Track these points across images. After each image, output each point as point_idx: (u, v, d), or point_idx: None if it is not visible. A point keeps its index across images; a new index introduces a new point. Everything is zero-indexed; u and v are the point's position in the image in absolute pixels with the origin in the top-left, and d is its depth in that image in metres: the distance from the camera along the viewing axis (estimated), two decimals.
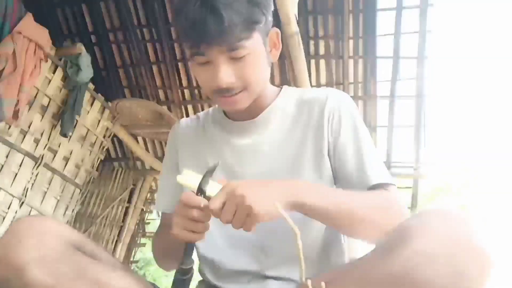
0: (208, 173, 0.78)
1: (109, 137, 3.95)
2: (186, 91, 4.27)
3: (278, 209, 0.75)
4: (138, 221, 4.87)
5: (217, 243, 0.96)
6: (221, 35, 0.80)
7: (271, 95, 1.02)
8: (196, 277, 1.02)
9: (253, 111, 0.99)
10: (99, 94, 3.71)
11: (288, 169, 0.94)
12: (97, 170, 3.90)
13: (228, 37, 0.81)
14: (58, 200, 3.44)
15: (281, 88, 1.05)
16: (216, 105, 1.07)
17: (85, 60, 3.35)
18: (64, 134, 3.29)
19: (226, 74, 0.84)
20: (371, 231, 0.79)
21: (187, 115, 4.38)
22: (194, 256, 0.97)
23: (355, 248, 3.30)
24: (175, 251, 0.89)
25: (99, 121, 3.77)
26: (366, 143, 0.94)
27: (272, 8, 0.94)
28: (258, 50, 0.88)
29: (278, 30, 0.96)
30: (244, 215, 0.72)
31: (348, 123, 0.95)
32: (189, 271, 0.80)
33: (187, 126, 1.10)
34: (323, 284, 0.61)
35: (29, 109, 3.05)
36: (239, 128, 1.00)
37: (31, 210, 3.18)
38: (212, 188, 0.77)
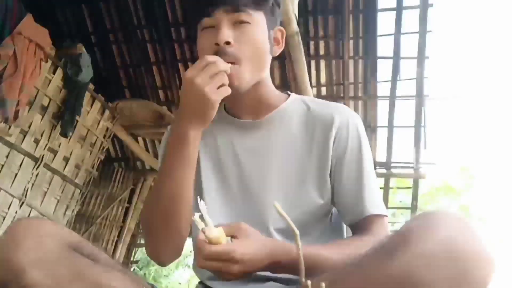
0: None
1: (109, 137, 3.95)
2: None
3: (278, 210, 0.75)
4: (138, 221, 4.87)
5: None
6: None
7: (278, 99, 1.00)
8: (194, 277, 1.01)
9: (258, 111, 0.98)
10: (99, 95, 3.71)
11: (292, 184, 0.93)
12: (97, 170, 3.90)
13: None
14: (58, 200, 3.44)
15: (288, 94, 1.04)
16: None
17: (85, 61, 3.36)
18: (64, 135, 3.29)
19: (226, 33, 0.87)
20: None
21: None
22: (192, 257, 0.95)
23: None
24: (180, 201, 0.86)
25: (99, 121, 3.77)
26: (367, 170, 0.94)
27: (280, 8, 0.98)
28: (261, 27, 0.91)
29: (283, 29, 0.99)
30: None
31: (353, 147, 0.94)
32: None
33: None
34: (323, 284, 0.61)
35: (29, 109, 3.06)
36: (242, 127, 0.99)
37: (31, 211, 3.18)
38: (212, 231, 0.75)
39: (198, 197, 0.77)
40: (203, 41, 0.91)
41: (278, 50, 0.99)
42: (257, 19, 0.91)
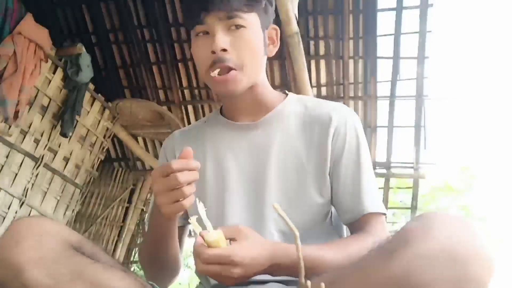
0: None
1: (109, 137, 3.95)
2: (186, 91, 4.27)
3: (278, 211, 0.75)
4: (138, 221, 4.87)
5: None
6: (220, 1, 0.85)
7: (275, 99, 1.00)
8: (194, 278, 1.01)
9: (255, 112, 0.98)
10: (99, 94, 3.71)
11: (291, 184, 0.93)
12: (97, 170, 3.90)
13: (227, 4, 0.85)
14: (58, 200, 3.44)
15: (286, 94, 1.04)
16: (214, 110, 1.07)
17: (85, 60, 3.35)
18: (64, 134, 3.29)
19: (222, 40, 0.86)
20: None
21: (187, 116, 4.39)
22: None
23: None
24: (164, 255, 0.91)
25: (99, 121, 3.77)
26: (365, 169, 0.94)
27: (274, 5, 0.97)
28: (255, 29, 0.90)
29: (277, 27, 0.98)
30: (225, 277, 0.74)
31: (351, 146, 0.94)
32: None
33: (182, 135, 1.08)
34: (322, 285, 0.61)
35: (29, 109, 3.06)
36: (240, 129, 0.99)
37: (31, 211, 3.18)
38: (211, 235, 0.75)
39: (197, 198, 0.76)
40: (198, 49, 0.91)
41: (273, 49, 0.98)
42: (251, 22, 0.89)
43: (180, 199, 0.75)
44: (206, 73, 0.90)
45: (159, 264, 0.94)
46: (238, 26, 0.87)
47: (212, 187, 0.97)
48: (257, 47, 0.91)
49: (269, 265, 0.77)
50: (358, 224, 0.92)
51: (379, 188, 4.33)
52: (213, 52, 0.87)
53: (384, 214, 0.93)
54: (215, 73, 0.87)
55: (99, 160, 3.87)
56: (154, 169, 0.78)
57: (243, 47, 0.88)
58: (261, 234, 0.91)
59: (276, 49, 0.99)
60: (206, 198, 0.96)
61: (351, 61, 3.82)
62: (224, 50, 0.86)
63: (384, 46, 3.74)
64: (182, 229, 1.04)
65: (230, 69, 0.87)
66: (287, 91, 1.06)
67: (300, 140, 0.95)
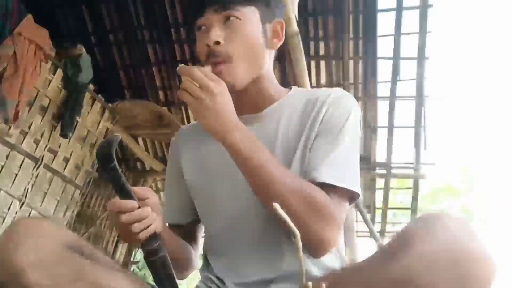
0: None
1: None
2: None
3: (277, 211, 0.74)
4: None
5: (219, 252, 0.97)
6: None
7: (279, 93, 1.01)
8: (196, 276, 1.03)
9: (258, 105, 0.98)
10: (99, 95, 3.71)
11: (297, 172, 0.90)
12: (97, 171, 3.90)
13: None
14: (58, 201, 3.44)
15: (291, 88, 1.04)
16: None
17: (85, 61, 3.36)
18: (64, 135, 3.29)
19: (215, 33, 0.88)
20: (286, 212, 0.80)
21: (187, 116, 4.39)
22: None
23: (356, 251, 3.28)
24: (178, 260, 0.93)
25: (99, 122, 3.77)
26: (343, 146, 0.89)
27: (281, 2, 0.98)
28: (252, 23, 0.91)
29: (283, 22, 0.98)
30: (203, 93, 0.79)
31: (337, 123, 0.91)
32: (154, 253, 0.82)
33: (187, 132, 1.09)
34: (323, 285, 0.61)
35: (29, 110, 3.06)
36: (244, 122, 0.94)
37: (31, 211, 3.18)
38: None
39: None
40: (198, 43, 0.93)
41: (278, 43, 0.98)
42: (248, 15, 0.91)
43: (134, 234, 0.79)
44: (203, 63, 0.93)
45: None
46: (232, 18, 0.89)
47: (216, 179, 0.97)
48: (252, 39, 0.91)
49: (236, 123, 0.83)
50: None
51: (379, 188, 4.34)
52: (208, 45, 0.89)
53: (347, 189, 0.86)
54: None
55: None
56: (109, 202, 0.83)
57: (237, 39, 0.89)
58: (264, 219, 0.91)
59: (281, 43, 0.99)
60: (214, 193, 0.96)
61: (351, 62, 3.82)
62: (217, 42, 0.88)
63: (384, 47, 3.75)
64: (192, 224, 1.06)
65: (219, 63, 0.89)
66: (292, 86, 1.06)
67: (302, 125, 0.95)
